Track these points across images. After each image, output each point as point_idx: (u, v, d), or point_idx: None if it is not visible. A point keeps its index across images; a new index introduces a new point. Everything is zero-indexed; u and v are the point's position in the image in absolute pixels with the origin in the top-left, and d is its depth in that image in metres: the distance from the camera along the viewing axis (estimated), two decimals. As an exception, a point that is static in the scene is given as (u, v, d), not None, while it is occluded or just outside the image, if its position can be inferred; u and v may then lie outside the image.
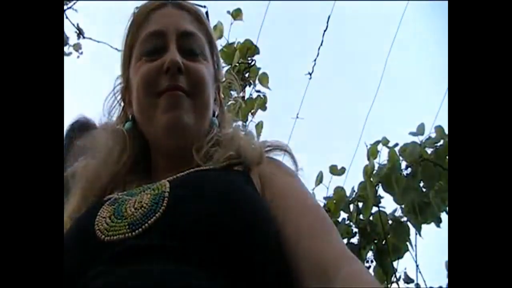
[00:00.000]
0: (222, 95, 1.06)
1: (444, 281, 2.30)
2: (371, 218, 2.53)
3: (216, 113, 1.01)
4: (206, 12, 1.05)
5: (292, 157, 0.95)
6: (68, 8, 2.69)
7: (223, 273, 0.69)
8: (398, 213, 2.49)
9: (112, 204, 0.81)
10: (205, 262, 0.70)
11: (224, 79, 1.09)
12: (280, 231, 0.77)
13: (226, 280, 0.69)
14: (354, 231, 2.54)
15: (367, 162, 2.56)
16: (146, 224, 0.74)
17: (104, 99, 1.03)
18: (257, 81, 2.72)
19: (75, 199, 0.92)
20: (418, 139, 2.49)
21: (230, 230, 0.73)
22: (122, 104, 1.02)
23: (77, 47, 2.91)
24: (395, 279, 2.47)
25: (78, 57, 2.95)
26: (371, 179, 2.50)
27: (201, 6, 1.05)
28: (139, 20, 1.01)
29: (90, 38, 2.93)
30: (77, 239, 0.79)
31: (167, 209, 0.76)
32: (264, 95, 2.73)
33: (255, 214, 0.77)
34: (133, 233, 0.73)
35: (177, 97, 0.91)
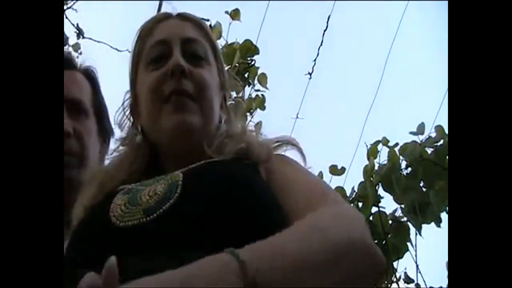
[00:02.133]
0: (228, 104, 1.08)
1: (444, 281, 2.31)
2: (371, 218, 2.53)
3: (223, 120, 1.03)
4: (210, 25, 1.08)
5: (300, 150, 0.97)
6: (68, 8, 2.68)
7: None
8: (398, 213, 2.49)
9: (127, 193, 0.83)
10: (219, 246, 0.70)
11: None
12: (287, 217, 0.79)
13: None
14: (354, 231, 2.54)
15: (367, 162, 2.56)
16: (161, 210, 0.76)
17: (114, 112, 1.08)
18: (256, 81, 2.72)
19: (91, 189, 0.93)
20: (418, 138, 2.49)
21: (242, 216, 0.75)
22: (132, 119, 1.05)
23: (76, 47, 2.91)
24: (395, 279, 2.47)
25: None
26: (371, 179, 2.50)
27: (204, 19, 1.08)
28: (143, 34, 1.04)
29: (90, 38, 2.93)
30: (92, 226, 0.81)
31: (181, 195, 0.77)
32: (262, 95, 2.73)
33: (265, 201, 0.80)
34: (148, 218, 0.75)
35: (182, 101, 0.94)
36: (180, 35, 1.01)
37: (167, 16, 1.06)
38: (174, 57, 0.96)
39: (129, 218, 0.76)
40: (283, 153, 0.97)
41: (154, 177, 0.87)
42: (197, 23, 1.06)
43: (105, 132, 1.31)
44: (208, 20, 1.10)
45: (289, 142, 0.98)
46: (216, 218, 0.74)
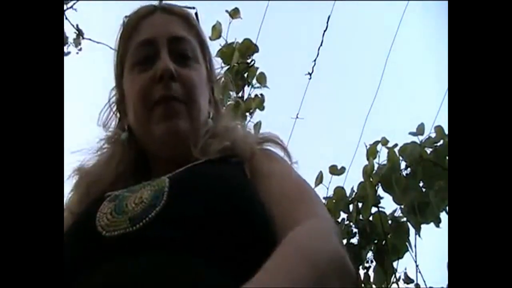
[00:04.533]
0: (216, 95, 1.07)
1: (444, 281, 2.30)
2: (370, 218, 2.53)
3: (211, 115, 1.02)
4: (196, 13, 1.06)
5: (283, 147, 0.97)
6: (68, 8, 2.68)
7: (224, 262, 0.70)
8: (398, 213, 2.49)
9: (113, 201, 0.82)
10: (207, 252, 0.71)
11: (218, 78, 1.10)
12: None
13: (227, 269, 0.70)
14: (353, 231, 2.54)
15: (367, 162, 2.56)
16: (147, 218, 0.75)
17: (100, 110, 1.05)
18: (255, 81, 2.71)
19: (78, 194, 0.93)
20: (418, 139, 2.49)
21: (229, 221, 0.75)
22: (118, 115, 1.04)
23: (77, 42, 2.90)
24: (395, 279, 2.47)
25: (77, 53, 2.93)
26: (371, 179, 2.50)
27: (190, 7, 1.05)
28: (128, 30, 1.01)
29: (90, 39, 2.93)
30: (78, 236, 0.79)
31: (167, 203, 0.77)
32: (261, 94, 2.73)
33: (252, 203, 0.79)
34: (134, 228, 0.74)
35: (171, 106, 0.93)
36: (167, 34, 0.97)
37: (152, 10, 1.02)
38: (162, 60, 0.94)
39: (115, 227, 0.75)
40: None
41: (141, 180, 0.86)
42: (183, 16, 1.02)
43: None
44: (193, 8, 1.06)
45: (273, 140, 0.97)
46: (203, 224, 0.74)
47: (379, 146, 2.56)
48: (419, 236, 2.40)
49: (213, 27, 2.63)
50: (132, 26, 1.01)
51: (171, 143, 0.93)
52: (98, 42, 2.89)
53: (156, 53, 0.95)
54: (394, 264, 2.47)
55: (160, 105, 0.92)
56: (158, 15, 1.01)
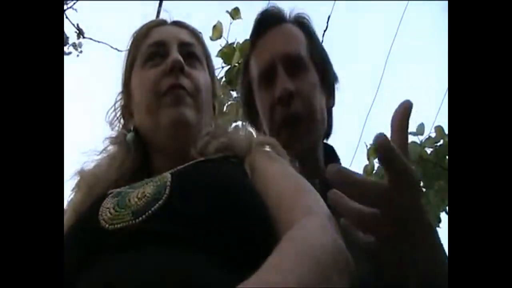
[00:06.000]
0: (217, 115, 1.11)
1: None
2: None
3: (213, 126, 1.05)
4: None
5: (278, 150, 0.99)
6: (68, 8, 2.68)
7: (225, 259, 0.71)
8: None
9: (116, 196, 0.83)
10: (207, 249, 0.71)
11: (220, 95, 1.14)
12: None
13: (227, 266, 0.70)
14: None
15: (367, 162, 2.56)
16: (149, 211, 0.75)
17: (105, 113, 1.08)
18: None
19: (81, 193, 0.94)
20: (418, 139, 2.49)
21: (230, 218, 0.75)
22: (122, 120, 1.06)
23: (79, 45, 2.91)
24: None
25: (77, 55, 2.95)
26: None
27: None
28: (139, 37, 1.06)
29: (91, 38, 2.94)
30: (81, 230, 0.80)
31: (169, 196, 0.78)
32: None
33: (252, 203, 0.80)
34: (137, 220, 0.75)
35: (180, 94, 0.96)
36: (177, 39, 1.03)
37: (162, 22, 1.08)
38: (173, 54, 0.98)
39: (118, 220, 0.76)
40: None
41: (143, 179, 0.87)
42: (192, 30, 1.08)
43: (328, 82, 1.24)
44: (200, 32, 1.13)
45: (269, 143, 1.00)
46: (204, 218, 0.74)
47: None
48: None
49: (214, 26, 2.63)
50: (143, 33, 1.06)
51: (177, 131, 0.95)
52: (98, 42, 2.90)
53: (167, 52, 1.00)
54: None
55: (169, 94, 0.96)
56: (168, 26, 1.08)
